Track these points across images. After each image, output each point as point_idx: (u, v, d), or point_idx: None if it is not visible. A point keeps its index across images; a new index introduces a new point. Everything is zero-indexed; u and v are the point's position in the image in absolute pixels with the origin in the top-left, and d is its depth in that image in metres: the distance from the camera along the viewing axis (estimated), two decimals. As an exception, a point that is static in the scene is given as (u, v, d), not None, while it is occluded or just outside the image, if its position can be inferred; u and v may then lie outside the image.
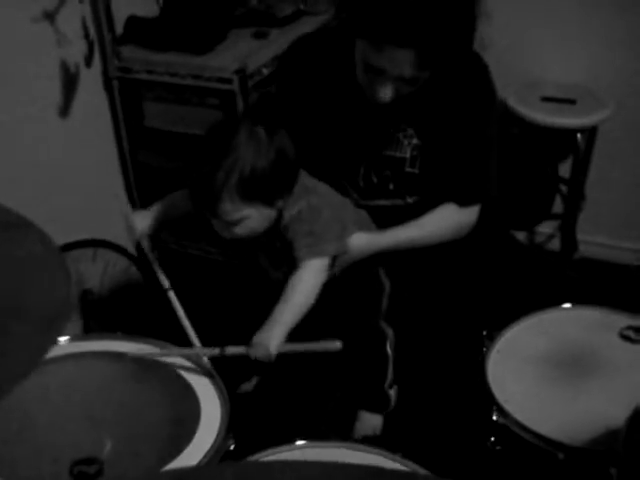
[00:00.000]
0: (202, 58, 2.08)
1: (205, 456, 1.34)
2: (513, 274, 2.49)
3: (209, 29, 2.10)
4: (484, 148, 1.72)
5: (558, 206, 2.79)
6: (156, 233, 1.69)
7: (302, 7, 2.38)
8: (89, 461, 1.38)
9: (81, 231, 2.24)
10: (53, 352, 1.58)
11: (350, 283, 1.67)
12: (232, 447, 1.41)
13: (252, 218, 1.47)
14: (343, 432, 1.68)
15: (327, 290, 1.58)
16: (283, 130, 1.48)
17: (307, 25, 2.31)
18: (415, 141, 1.69)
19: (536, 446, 1.37)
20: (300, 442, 1.35)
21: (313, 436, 1.42)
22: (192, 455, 1.35)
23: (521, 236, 2.98)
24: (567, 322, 1.64)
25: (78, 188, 2.24)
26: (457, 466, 1.58)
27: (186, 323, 1.61)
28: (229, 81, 2.03)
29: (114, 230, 2.33)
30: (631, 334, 1.59)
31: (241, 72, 2.02)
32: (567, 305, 1.67)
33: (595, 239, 2.82)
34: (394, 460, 1.35)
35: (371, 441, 1.68)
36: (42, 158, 2.11)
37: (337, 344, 1.46)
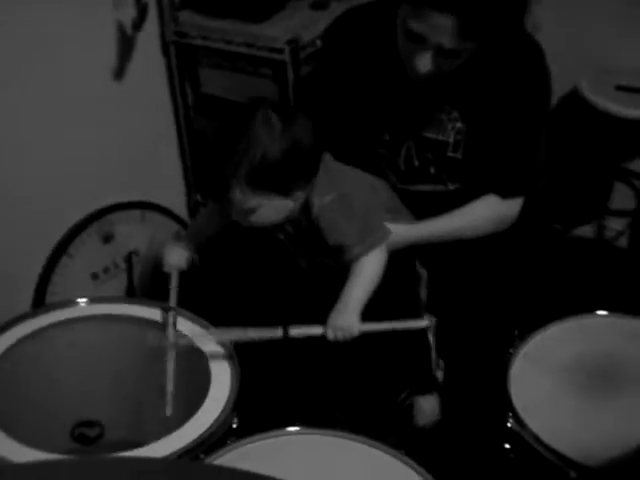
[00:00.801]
0: (257, 27, 2.04)
1: (206, 431, 1.34)
2: (567, 270, 2.39)
3: (266, -3, 2.07)
4: (532, 137, 1.62)
5: (630, 202, 2.65)
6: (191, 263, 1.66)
7: (366, -22, 2.30)
8: (91, 424, 1.40)
9: (132, 193, 2.27)
10: (78, 312, 1.61)
11: (385, 275, 1.62)
12: (235, 425, 1.40)
13: (265, 208, 1.43)
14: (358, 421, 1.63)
15: None
16: (302, 119, 1.42)
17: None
18: (459, 125, 1.62)
19: (549, 460, 1.31)
20: (293, 428, 1.32)
21: (321, 423, 1.39)
22: (193, 429, 1.35)
23: (588, 231, 2.86)
24: (605, 330, 1.54)
25: (132, 150, 2.26)
26: (464, 469, 1.53)
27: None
28: (280, 51, 1.99)
29: (165, 194, 2.36)
30: (673, 349, 1.49)
31: (293, 43, 1.98)
32: (603, 312, 1.58)
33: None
34: (395, 456, 1.31)
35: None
36: (97, 119, 2.13)
37: (424, 322, 1.46)
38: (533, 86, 1.60)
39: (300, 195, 1.46)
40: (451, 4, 1.39)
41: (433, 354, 1.67)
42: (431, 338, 1.64)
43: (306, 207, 1.50)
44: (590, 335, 1.53)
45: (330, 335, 1.46)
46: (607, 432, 1.30)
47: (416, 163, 1.66)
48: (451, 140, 1.63)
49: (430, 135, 1.64)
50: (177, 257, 1.63)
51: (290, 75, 2.01)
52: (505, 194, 1.63)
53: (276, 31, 2.03)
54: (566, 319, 1.56)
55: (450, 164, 1.64)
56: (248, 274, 1.75)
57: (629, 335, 1.53)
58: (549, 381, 1.44)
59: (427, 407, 1.69)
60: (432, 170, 1.66)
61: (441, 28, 1.41)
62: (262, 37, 2.02)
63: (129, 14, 2.01)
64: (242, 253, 1.74)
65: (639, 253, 2.64)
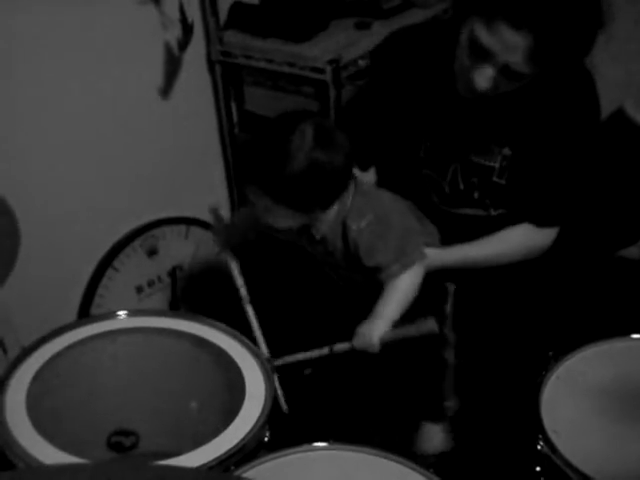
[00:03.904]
0: (299, 46, 2.07)
1: (237, 445, 1.36)
2: (609, 292, 2.35)
3: (309, 17, 2.10)
4: (574, 169, 1.61)
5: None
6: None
7: (411, -1, 2.32)
8: (127, 433, 1.43)
9: (177, 208, 2.32)
10: (121, 324, 1.66)
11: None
12: (266, 439, 1.42)
13: (281, 217, 1.45)
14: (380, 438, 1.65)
15: None
16: (340, 140, 1.42)
17: (414, 18, 2.24)
18: (506, 151, 1.61)
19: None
20: (322, 444, 1.33)
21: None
22: (225, 441, 1.37)
23: (635, 253, 2.80)
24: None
25: (178, 167, 2.31)
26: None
27: (258, 334, 1.64)
28: (322, 71, 2.01)
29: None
30: None
31: (334, 62, 2.00)
32: (638, 335, 1.56)
33: None
34: (425, 475, 1.31)
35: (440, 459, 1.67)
36: (145, 136, 2.18)
37: (431, 323, 1.49)
38: (583, 117, 1.58)
39: (319, 214, 1.47)
40: (530, 23, 1.34)
41: (450, 381, 1.67)
42: (451, 358, 1.64)
43: (343, 231, 1.52)
44: (624, 359, 1.51)
45: (355, 345, 1.51)
46: (638, 458, 1.28)
47: (461, 186, 1.66)
48: (497, 165, 1.62)
49: (477, 160, 1.63)
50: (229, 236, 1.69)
51: (332, 94, 2.03)
52: (541, 223, 1.63)
53: (318, 51, 2.05)
54: (600, 342, 1.54)
55: (494, 189, 1.64)
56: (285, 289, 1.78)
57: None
58: (581, 404, 1.42)
59: (432, 435, 1.70)
60: (476, 195, 1.66)
61: (513, 46, 1.37)
62: (303, 57, 2.05)
63: (176, 34, 2.06)
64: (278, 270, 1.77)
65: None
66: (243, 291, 1.65)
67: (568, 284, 1.78)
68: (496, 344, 1.64)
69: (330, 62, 2.00)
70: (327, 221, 1.52)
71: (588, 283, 2.00)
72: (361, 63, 2.07)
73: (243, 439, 1.36)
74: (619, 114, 2.34)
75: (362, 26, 2.16)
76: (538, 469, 1.38)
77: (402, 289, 1.53)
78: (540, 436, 1.36)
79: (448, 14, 2.38)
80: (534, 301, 1.68)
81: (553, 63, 1.43)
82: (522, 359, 1.62)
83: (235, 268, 1.67)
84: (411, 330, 1.51)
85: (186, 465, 1.26)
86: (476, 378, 1.67)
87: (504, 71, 1.43)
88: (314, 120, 1.42)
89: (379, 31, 2.16)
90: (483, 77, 1.45)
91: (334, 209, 1.49)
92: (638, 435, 1.36)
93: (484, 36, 1.39)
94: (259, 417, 1.40)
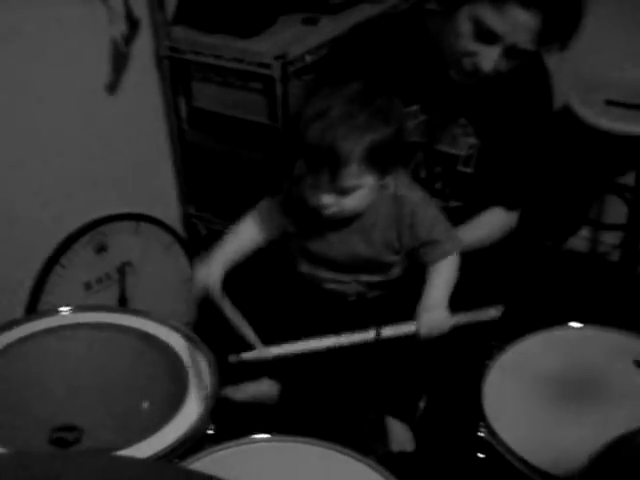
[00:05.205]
0: (246, 42, 2.07)
1: (179, 438, 1.36)
2: (555, 284, 2.40)
3: (257, 13, 2.10)
4: (535, 154, 1.68)
5: (622, 216, 2.65)
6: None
7: (359, -7, 2.32)
8: (70, 428, 1.42)
9: (127, 205, 2.30)
10: (66, 320, 1.65)
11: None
12: (211, 431, 1.42)
13: (366, 188, 1.41)
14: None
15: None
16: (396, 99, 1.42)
17: (363, 13, 2.26)
18: (472, 140, 1.64)
19: (519, 470, 1.32)
20: (265, 435, 1.34)
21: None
22: (169, 435, 1.38)
23: (583, 246, 2.86)
24: (582, 343, 1.56)
25: (126, 163, 2.29)
26: (437, 477, 1.54)
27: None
28: (268, 66, 2.01)
29: (158, 206, 2.39)
30: (647, 363, 1.50)
31: (281, 58, 2.00)
32: (577, 324, 1.59)
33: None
34: (365, 463, 1.32)
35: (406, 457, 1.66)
36: (92, 132, 2.17)
37: (494, 311, 1.49)
38: (542, 105, 1.66)
39: (389, 180, 1.45)
40: (539, 2, 1.39)
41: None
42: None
43: (396, 201, 1.49)
44: (565, 347, 1.54)
45: (424, 332, 1.46)
46: (580, 442, 1.30)
47: (422, 175, 1.68)
48: (463, 153, 1.65)
49: (441, 148, 1.66)
50: (211, 275, 1.51)
51: (279, 90, 2.03)
52: (512, 206, 1.68)
53: (265, 46, 2.05)
54: (542, 331, 1.58)
55: (459, 179, 1.66)
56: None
57: (604, 347, 1.54)
58: (523, 392, 1.45)
59: (400, 433, 1.68)
60: (438, 185, 1.68)
61: (523, 25, 1.41)
62: (250, 52, 2.05)
63: (121, 30, 2.05)
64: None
65: (630, 267, 2.64)
66: (249, 334, 1.50)
67: (510, 275, 1.81)
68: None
69: (277, 58, 2.00)
70: (368, 195, 1.45)
71: (529, 274, 2.04)
72: (308, 58, 2.08)
73: (186, 432, 1.36)
74: (565, 109, 2.38)
75: (309, 22, 2.17)
76: (481, 456, 1.41)
77: (449, 272, 1.51)
78: (482, 423, 1.38)
79: (397, 9, 2.40)
80: (476, 293, 1.70)
81: (558, 40, 1.47)
82: (466, 349, 1.64)
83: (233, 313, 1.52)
84: (478, 316, 1.51)
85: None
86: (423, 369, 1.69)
87: (509, 51, 1.46)
88: (362, 82, 1.42)
89: (327, 26, 2.17)
90: (489, 59, 1.47)
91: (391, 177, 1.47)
92: (578, 420, 1.39)
93: (492, 19, 1.42)
94: (202, 410, 1.41)
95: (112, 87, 2.15)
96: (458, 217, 1.66)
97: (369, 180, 1.40)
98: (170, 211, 2.47)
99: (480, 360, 1.52)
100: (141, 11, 2.10)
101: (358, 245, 1.54)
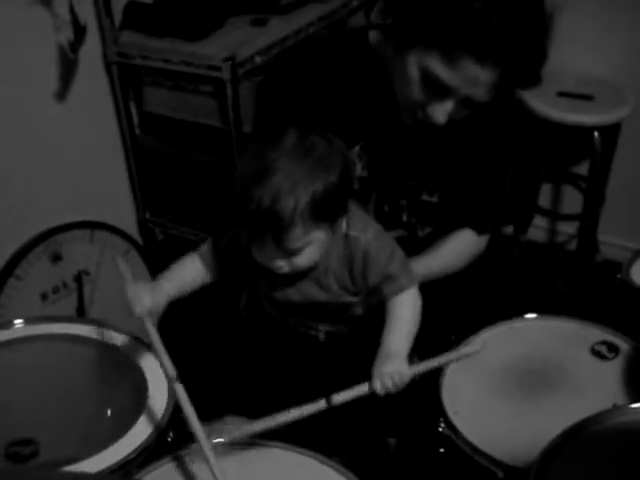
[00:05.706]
0: (194, 45, 2.06)
1: (136, 449, 1.34)
2: (512, 275, 2.42)
3: (204, 15, 2.09)
4: (504, 176, 1.60)
5: (578, 206, 2.69)
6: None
7: (307, -7, 2.32)
8: (26, 442, 1.40)
9: (81, 213, 2.28)
10: (18, 332, 1.62)
11: None
12: (170, 439, 1.40)
13: (317, 242, 1.30)
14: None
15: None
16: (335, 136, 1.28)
17: (312, 13, 2.26)
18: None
19: (478, 462, 1.32)
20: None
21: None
22: (126, 446, 1.36)
23: (541, 236, 2.89)
24: (539, 333, 1.56)
25: (79, 170, 2.27)
26: (399, 473, 1.54)
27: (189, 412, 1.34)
28: (218, 68, 2.00)
29: (114, 213, 2.37)
30: (603, 350, 1.50)
31: (230, 60, 1.99)
32: (533, 315, 1.60)
33: (617, 241, 2.71)
34: (328, 465, 1.32)
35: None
36: (42, 141, 2.15)
37: (476, 346, 1.39)
38: (504, 129, 1.56)
39: (341, 224, 1.34)
40: (496, 56, 1.25)
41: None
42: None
43: (347, 243, 1.38)
44: (522, 338, 1.55)
45: (378, 387, 1.31)
46: (538, 431, 1.30)
47: (386, 209, 1.60)
48: (425, 182, 1.56)
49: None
50: (148, 299, 1.36)
51: (229, 92, 2.02)
52: (481, 230, 1.62)
53: (214, 49, 2.05)
54: (498, 323, 1.58)
55: (424, 208, 1.60)
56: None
57: (561, 337, 1.55)
58: (482, 385, 1.45)
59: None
60: (404, 217, 1.61)
61: (478, 80, 1.28)
62: (199, 55, 2.04)
63: (67, 36, 2.03)
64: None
65: (587, 255, 2.68)
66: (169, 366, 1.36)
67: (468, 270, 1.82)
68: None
69: (226, 60, 1.99)
70: (322, 247, 1.34)
71: (486, 268, 2.05)
72: (258, 60, 2.08)
73: (143, 443, 1.34)
74: (517, 101, 2.40)
75: (259, 23, 2.16)
76: (442, 450, 1.41)
77: (408, 312, 1.39)
78: (441, 418, 1.39)
79: (346, 9, 2.40)
80: (436, 288, 1.71)
81: (515, 88, 1.38)
82: (425, 343, 1.64)
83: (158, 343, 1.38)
84: (450, 357, 1.39)
85: (85, 471, 1.24)
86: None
87: (464, 102, 1.35)
88: (294, 130, 1.28)
89: (276, 27, 2.17)
90: (441, 112, 1.35)
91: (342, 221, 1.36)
92: (537, 412, 1.39)
93: (442, 71, 1.29)
94: (160, 420, 1.39)
95: (61, 95, 2.13)
96: (426, 246, 1.62)
97: (319, 235, 1.29)
98: (126, 217, 2.45)
99: (439, 354, 1.51)
100: (88, 16, 2.08)
101: (314, 291, 1.45)
